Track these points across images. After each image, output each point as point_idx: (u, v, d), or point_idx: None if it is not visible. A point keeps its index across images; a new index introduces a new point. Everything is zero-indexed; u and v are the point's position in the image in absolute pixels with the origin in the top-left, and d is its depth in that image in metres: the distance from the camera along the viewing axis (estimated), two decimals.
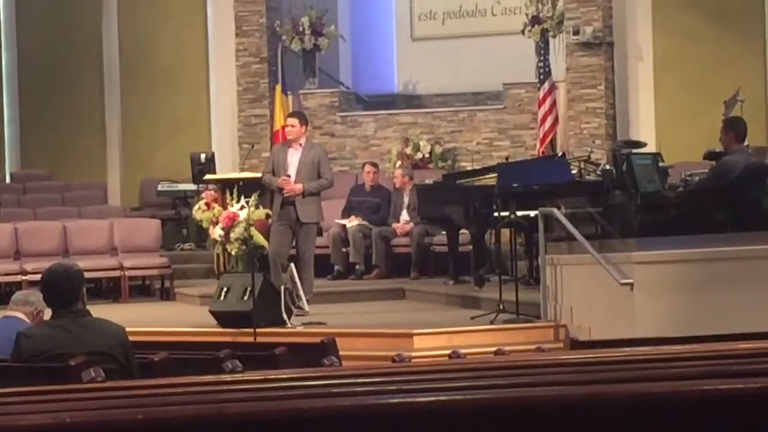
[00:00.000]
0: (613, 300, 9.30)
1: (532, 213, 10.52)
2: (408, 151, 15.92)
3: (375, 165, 14.90)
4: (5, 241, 13.97)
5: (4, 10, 17.74)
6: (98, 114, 17.52)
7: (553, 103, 15.08)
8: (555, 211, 10.21)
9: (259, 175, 12.01)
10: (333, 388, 3.13)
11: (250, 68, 16.62)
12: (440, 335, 9.90)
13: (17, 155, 17.77)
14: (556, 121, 15.09)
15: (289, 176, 11.03)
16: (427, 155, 15.93)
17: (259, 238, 11.62)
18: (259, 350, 6.65)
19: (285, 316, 10.35)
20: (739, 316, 8.62)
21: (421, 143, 15.96)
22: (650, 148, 12.96)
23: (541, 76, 15.16)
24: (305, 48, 16.42)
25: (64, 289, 5.80)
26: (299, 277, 10.67)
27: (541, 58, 15.27)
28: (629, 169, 10.42)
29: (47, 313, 5.93)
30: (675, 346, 4.72)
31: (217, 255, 13.01)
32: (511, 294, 10.19)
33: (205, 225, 12.88)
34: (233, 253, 12.20)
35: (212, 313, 10.74)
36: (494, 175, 11.44)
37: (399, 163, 15.37)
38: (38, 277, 6.61)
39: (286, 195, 11.04)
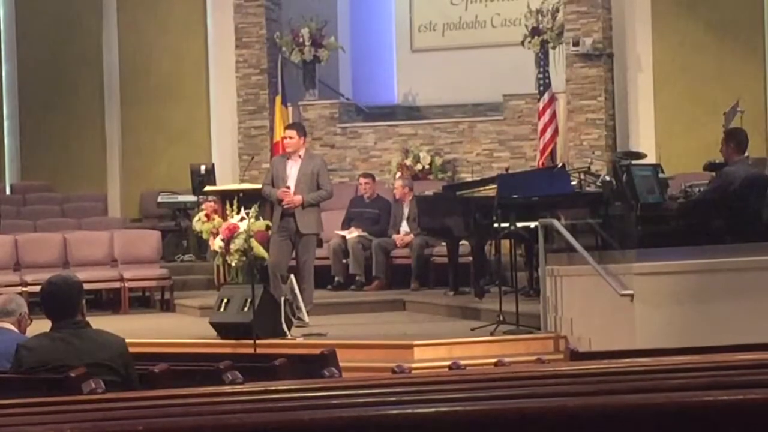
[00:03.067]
0: (613, 311, 9.29)
1: (532, 224, 10.51)
2: (408, 162, 15.93)
3: (369, 176, 14.91)
4: (5, 253, 13.97)
5: (4, 22, 17.75)
6: (98, 125, 17.52)
7: (553, 114, 15.08)
8: (555, 222, 10.21)
9: (259, 186, 12.02)
10: (333, 400, 3.13)
11: (250, 79, 16.63)
12: (440, 346, 9.89)
13: (17, 167, 17.77)
14: (555, 132, 15.09)
15: (288, 188, 11.04)
16: (427, 166, 15.93)
17: (259, 250, 11.60)
18: (259, 361, 6.63)
19: (285, 328, 10.35)
20: (740, 327, 8.61)
21: (421, 154, 15.97)
22: (650, 159, 12.97)
23: (541, 88, 15.16)
24: (305, 59, 16.43)
25: (63, 300, 5.79)
26: (299, 289, 10.67)
27: (541, 69, 15.27)
28: (629, 180, 10.41)
29: (41, 324, 5.91)
30: (675, 357, 4.71)
31: (217, 266, 13.00)
32: (511, 305, 10.19)
33: (205, 236, 12.85)
34: (233, 264, 12.17)
35: (212, 324, 10.73)
36: (494, 186, 11.44)
37: (399, 174, 15.38)
38: (38, 288, 6.58)
39: (285, 206, 11.05)
